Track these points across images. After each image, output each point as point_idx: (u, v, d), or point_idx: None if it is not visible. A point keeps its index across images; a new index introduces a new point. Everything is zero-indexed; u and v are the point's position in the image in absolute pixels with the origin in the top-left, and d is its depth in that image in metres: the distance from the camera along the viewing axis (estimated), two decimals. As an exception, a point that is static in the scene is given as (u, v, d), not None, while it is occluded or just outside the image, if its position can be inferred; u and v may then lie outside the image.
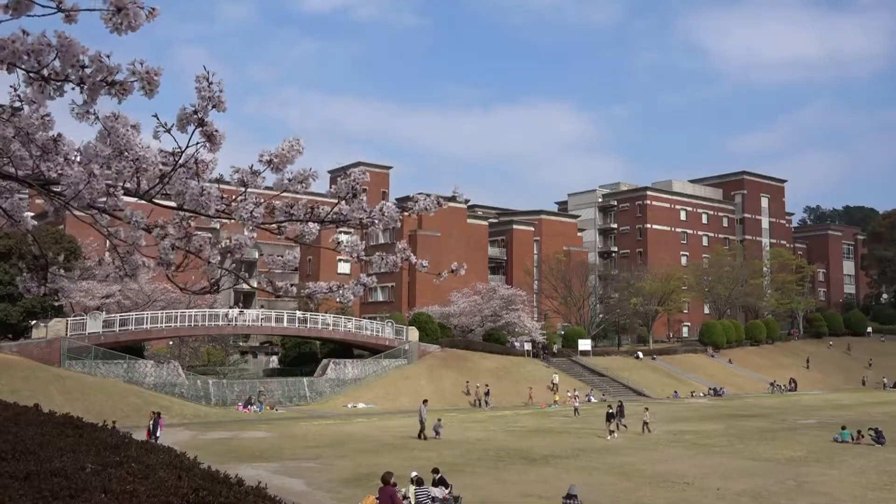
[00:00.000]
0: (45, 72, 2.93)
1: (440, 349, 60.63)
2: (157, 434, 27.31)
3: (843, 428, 32.72)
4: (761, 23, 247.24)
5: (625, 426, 36.08)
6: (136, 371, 47.06)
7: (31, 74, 2.94)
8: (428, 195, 3.56)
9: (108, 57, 2.97)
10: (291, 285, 3.80)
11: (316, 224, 3.53)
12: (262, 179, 3.38)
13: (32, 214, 3.94)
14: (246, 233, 3.52)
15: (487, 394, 52.59)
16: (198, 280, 4.17)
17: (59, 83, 2.96)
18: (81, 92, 3.01)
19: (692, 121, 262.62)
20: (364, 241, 3.81)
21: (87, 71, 2.95)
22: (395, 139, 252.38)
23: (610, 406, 36.81)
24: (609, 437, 33.31)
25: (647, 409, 37.18)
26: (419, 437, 32.57)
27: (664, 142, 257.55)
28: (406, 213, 3.63)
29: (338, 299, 3.66)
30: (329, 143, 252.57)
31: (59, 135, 3.42)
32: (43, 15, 2.86)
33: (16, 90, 3.14)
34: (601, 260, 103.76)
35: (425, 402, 35.39)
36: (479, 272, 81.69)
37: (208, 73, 3.13)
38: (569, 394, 55.62)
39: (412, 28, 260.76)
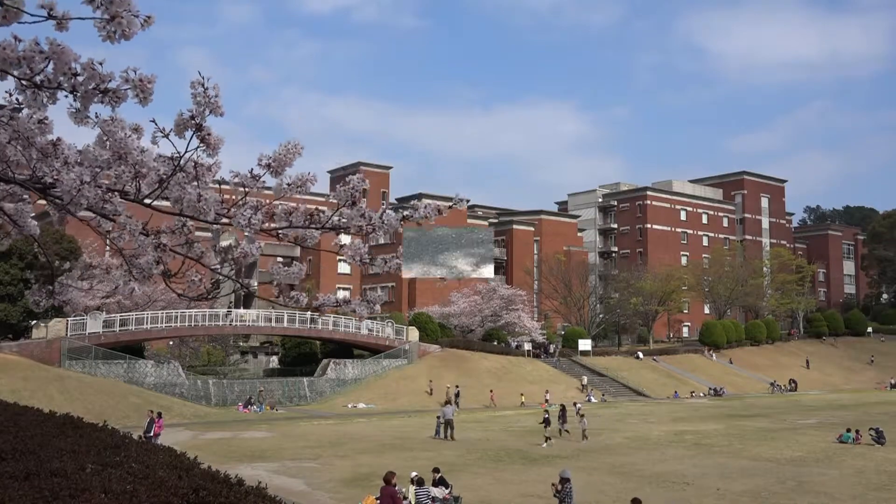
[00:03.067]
0: (38, 79, 2.91)
1: (440, 349, 60.59)
2: (150, 434, 27.19)
3: (847, 431, 32.58)
4: (761, 23, 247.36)
5: (567, 431, 33.64)
6: (136, 371, 47.07)
7: (23, 81, 2.92)
8: (428, 203, 3.54)
9: (100, 64, 2.94)
10: (303, 290, 3.80)
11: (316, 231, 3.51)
12: (261, 183, 3.37)
13: (34, 215, 3.91)
14: (248, 240, 3.51)
15: (458, 395, 49.55)
16: (197, 284, 4.17)
17: (51, 90, 2.95)
18: (75, 100, 2.99)
19: (692, 121, 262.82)
20: (366, 244, 3.81)
21: (80, 79, 2.93)
22: (396, 139, 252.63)
23: (547, 412, 33.29)
24: (545, 444, 30.17)
25: (582, 415, 33.23)
26: (451, 439, 32.58)
27: (664, 142, 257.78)
28: (406, 221, 3.60)
29: (348, 312, 3.68)
30: (329, 143, 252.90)
31: (59, 139, 3.41)
32: (34, 22, 2.84)
33: (11, 95, 3.13)
34: (601, 260, 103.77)
35: (447, 403, 35.49)
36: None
37: (203, 78, 3.12)
38: (547, 394, 53.51)
39: (413, 29, 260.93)
